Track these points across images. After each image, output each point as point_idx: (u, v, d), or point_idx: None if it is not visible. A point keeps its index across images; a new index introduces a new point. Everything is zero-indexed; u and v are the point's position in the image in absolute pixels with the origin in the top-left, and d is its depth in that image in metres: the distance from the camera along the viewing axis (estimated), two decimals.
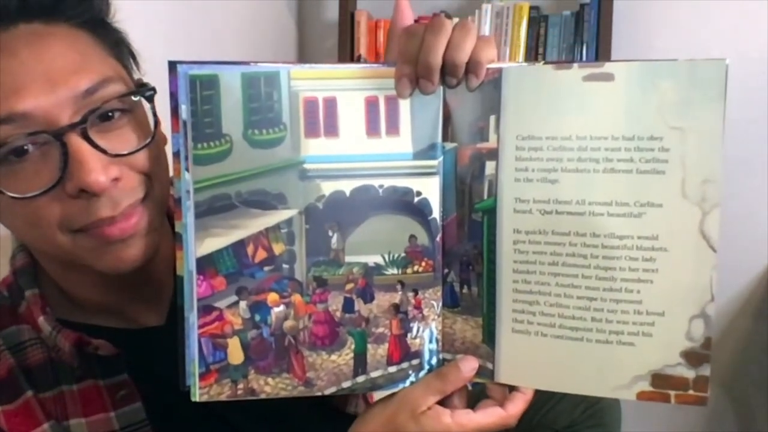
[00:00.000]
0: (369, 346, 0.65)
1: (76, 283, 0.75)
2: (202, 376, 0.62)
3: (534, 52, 2.22)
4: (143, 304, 0.78)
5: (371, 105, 0.64)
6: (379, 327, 0.66)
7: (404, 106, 0.64)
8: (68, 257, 0.68)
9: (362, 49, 2.31)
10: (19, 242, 0.79)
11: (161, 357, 0.73)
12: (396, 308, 0.66)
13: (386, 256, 0.65)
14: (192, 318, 0.61)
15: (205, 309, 0.62)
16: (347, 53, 2.32)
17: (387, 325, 0.66)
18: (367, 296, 0.65)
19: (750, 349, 2.30)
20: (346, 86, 0.64)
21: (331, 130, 0.64)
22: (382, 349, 0.66)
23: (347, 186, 0.64)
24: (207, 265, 0.62)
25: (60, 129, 0.62)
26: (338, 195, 0.64)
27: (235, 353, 0.63)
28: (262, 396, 0.64)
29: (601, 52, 2.18)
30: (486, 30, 2.22)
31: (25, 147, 0.62)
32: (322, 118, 0.63)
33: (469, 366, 0.67)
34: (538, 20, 2.22)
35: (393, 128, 0.65)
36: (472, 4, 2.31)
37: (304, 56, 2.55)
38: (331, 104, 0.63)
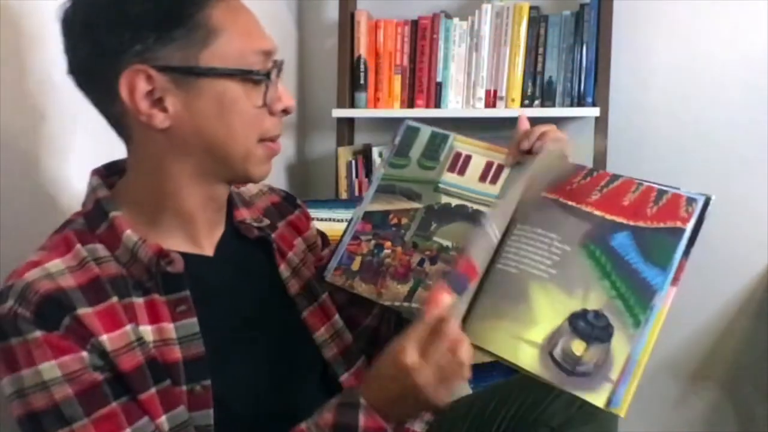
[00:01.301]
0: (420, 288, 1.03)
1: (191, 191, 0.91)
2: (335, 269, 1.09)
3: (534, 53, 2.15)
4: (209, 228, 0.98)
5: (489, 165, 1.08)
6: (431, 281, 1.03)
7: (506, 170, 1.06)
8: (240, 160, 0.90)
9: (362, 49, 2.34)
10: (99, 180, 0.92)
11: (213, 282, 0.95)
12: (444, 275, 1.03)
13: (455, 244, 1.05)
14: (347, 239, 1.10)
15: (355, 237, 1.10)
16: (347, 53, 2.35)
17: (436, 282, 1.03)
18: (434, 262, 1.05)
19: (750, 349, 2.33)
20: (479, 152, 1.09)
21: (462, 171, 1.09)
22: (426, 294, 1.03)
23: (454, 201, 1.07)
24: (368, 216, 1.11)
25: (280, 64, 0.93)
26: (447, 205, 1.08)
27: (356, 264, 1.09)
28: (355, 291, 1.07)
29: (601, 52, 2.12)
30: (486, 30, 2.25)
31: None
32: (460, 164, 1.09)
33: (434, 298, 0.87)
34: (538, 20, 2.22)
35: (494, 180, 1.07)
36: (472, 4, 2.30)
37: (303, 56, 2.58)
38: (467, 158, 1.09)
